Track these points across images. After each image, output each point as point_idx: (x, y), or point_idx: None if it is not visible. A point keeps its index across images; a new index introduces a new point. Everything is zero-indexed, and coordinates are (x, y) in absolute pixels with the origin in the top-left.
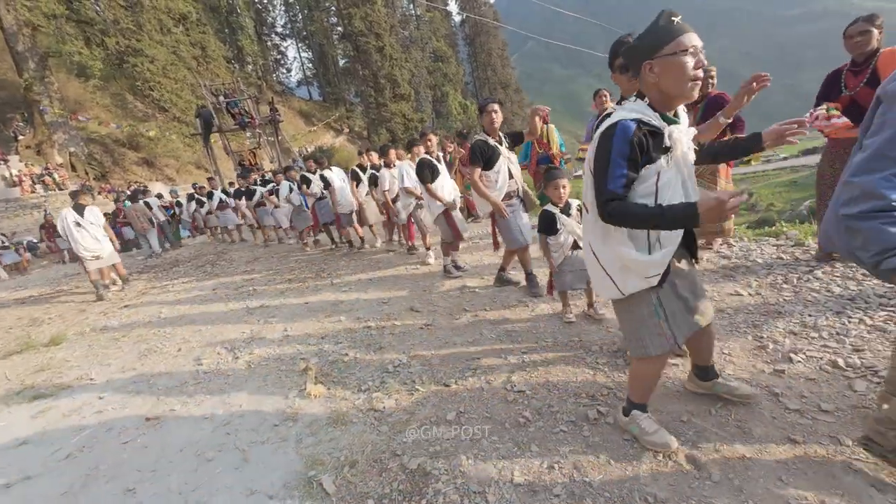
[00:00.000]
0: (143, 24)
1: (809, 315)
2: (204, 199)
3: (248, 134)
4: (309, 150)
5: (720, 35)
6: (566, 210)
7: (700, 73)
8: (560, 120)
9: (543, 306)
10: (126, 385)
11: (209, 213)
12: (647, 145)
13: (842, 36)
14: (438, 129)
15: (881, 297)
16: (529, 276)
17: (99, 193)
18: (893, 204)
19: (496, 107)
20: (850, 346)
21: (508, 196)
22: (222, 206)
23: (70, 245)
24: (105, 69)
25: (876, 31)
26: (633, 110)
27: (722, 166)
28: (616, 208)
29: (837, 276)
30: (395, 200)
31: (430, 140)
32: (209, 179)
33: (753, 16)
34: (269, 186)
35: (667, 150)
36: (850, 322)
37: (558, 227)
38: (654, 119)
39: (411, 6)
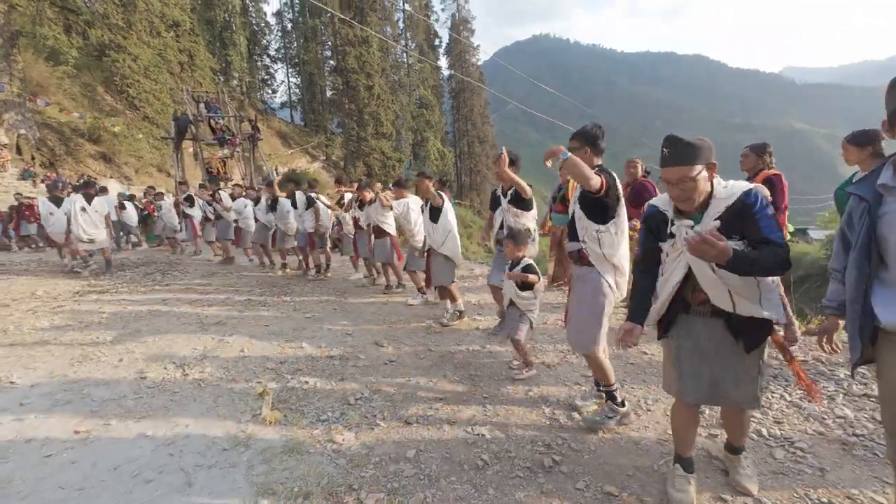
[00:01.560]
0: (133, 23)
1: None
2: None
3: (226, 150)
4: (280, 170)
5: (670, 130)
6: (511, 266)
7: (675, 192)
8: (530, 180)
9: (507, 352)
10: (54, 392)
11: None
12: (654, 227)
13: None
14: (413, 171)
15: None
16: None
17: (42, 181)
18: None
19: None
20: (773, 418)
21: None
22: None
23: (50, 230)
24: (81, 59)
25: (753, 156)
26: (661, 199)
27: None
28: (634, 268)
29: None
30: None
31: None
32: (180, 184)
33: (701, 117)
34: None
35: (672, 236)
36: (773, 397)
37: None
38: (669, 211)
39: (404, 55)
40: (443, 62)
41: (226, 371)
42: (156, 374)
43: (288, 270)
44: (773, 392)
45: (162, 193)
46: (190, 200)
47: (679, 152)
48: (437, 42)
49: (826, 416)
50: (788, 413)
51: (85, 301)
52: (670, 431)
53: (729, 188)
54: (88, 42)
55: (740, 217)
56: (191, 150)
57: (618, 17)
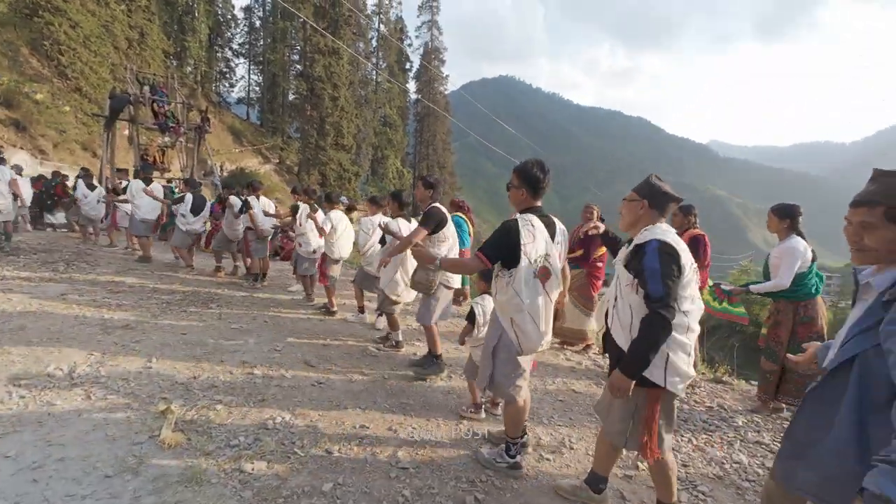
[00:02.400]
0: None
1: None
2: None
3: (167, 137)
4: (227, 168)
5: (622, 180)
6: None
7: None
8: (482, 211)
9: (441, 384)
10: None
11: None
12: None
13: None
14: (371, 187)
15: (705, 422)
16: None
17: None
18: None
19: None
20: (680, 461)
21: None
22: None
23: None
24: (6, 14)
25: (681, 215)
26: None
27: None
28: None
29: (677, 401)
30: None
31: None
32: (119, 171)
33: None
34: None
35: None
36: (681, 440)
37: None
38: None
39: (374, 72)
40: (411, 86)
41: (125, 383)
42: (34, 380)
43: (222, 274)
44: (682, 436)
45: (125, 171)
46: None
47: (638, 185)
48: (407, 66)
49: (725, 461)
50: (694, 457)
51: None
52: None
53: (642, 234)
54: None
55: (634, 258)
56: (126, 132)
57: (577, 72)
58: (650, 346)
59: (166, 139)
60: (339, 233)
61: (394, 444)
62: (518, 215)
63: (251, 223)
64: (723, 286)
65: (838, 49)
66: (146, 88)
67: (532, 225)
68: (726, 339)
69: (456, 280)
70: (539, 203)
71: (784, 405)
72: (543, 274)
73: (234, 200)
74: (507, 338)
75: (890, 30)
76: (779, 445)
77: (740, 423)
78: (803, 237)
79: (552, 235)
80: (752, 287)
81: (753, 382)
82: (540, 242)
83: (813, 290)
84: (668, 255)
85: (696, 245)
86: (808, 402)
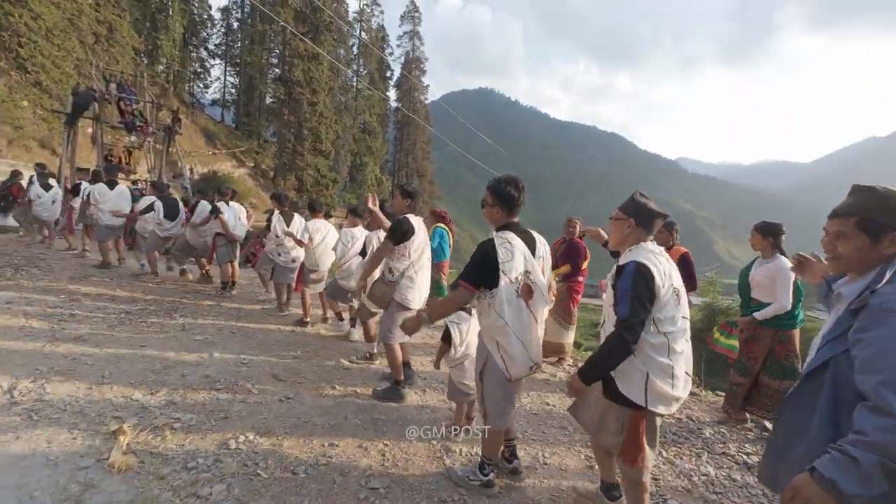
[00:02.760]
0: None
1: None
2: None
3: (134, 137)
4: (198, 171)
5: (597, 192)
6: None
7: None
8: (462, 220)
9: (414, 397)
10: None
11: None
12: None
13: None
14: (349, 193)
15: (674, 434)
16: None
17: None
18: None
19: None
20: (651, 474)
21: None
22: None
23: None
24: None
25: (666, 232)
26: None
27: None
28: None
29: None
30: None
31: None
32: (80, 170)
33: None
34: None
35: None
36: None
37: None
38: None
39: (355, 79)
40: (392, 94)
41: (74, 400)
42: None
43: (190, 276)
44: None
45: (86, 170)
46: (76, 190)
47: (625, 202)
48: (388, 74)
49: (693, 474)
50: (664, 469)
51: None
52: (564, 486)
53: (626, 255)
54: None
55: (616, 279)
56: (90, 130)
57: (554, 88)
58: (604, 361)
59: (133, 139)
60: (317, 243)
61: (364, 462)
62: (494, 233)
63: (222, 229)
64: (729, 321)
65: (796, 75)
66: (112, 86)
67: (509, 243)
68: (693, 351)
69: (416, 302)
70: (516, 219)
71: (749, 416)
72: (526, 292)
73: (204, 206)
74: (494, 362)
75: (839, 60)
76: (744, 456)
77: (708, 435)
78: (786, 256)
79: (532, 251)
80: (756, 315)
81: (720, 393)
82: (519, 260)
83: (798, 320)
84: (641, 276)
85: (687, 265)
86: (787, 406)
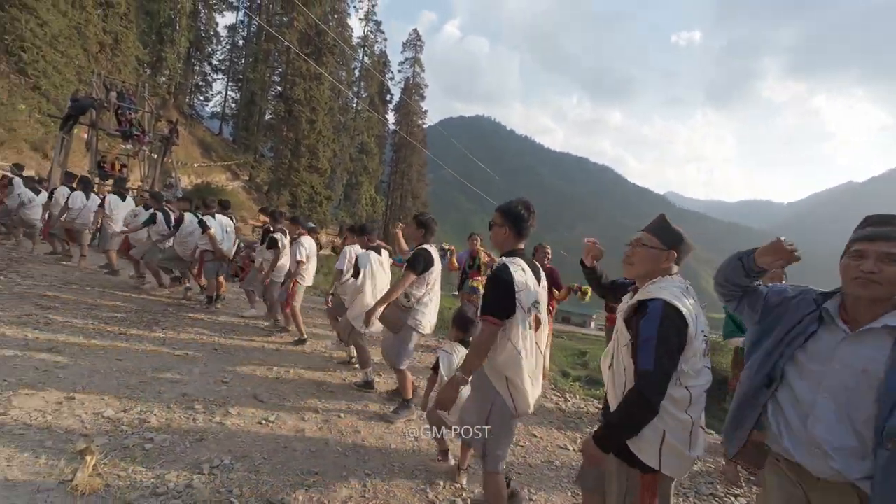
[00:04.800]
0: None
1: None
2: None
3: (130, 145)
4: (192, 181)
5: (581, 224)
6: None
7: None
8: (454, 242)
9: (399, 425)
10: None
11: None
12: None
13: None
14: (343, 212)
15: None
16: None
17: None
18: None
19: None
20: None
21: None
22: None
23: None
24: None
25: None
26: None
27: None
28: None
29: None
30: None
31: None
32: (69, 175)
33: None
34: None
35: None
36: None
37: None
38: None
39: (355, 100)
40: (390, 117)
41: (41, 415)
42: None
43: (185, 283)
44: None
45: (74, 175)
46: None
47: (655, 226)
48: (388, 97)
49: None
50: None
51: None
52: None
53: (649, 289)
54: None
55: (635, 315)
56: (85, 136)
57: (548, 119)
58: (625, 425)
59: (128, 147)
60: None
61: (344, 492)
62: (505, 259)
63: (210, 245)
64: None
65: (777, 119)
66: (113, 94)
67: (523, 270)
68: None
69: (427, 327)
70: (522, 246)
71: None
72: (536, 323)
73: (190, 218)
74: (502, 401)
75: (821, 109)
76: (731, 498)
77: (695, 472)
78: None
79: (538, 280)
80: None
81: (709, 431)
82: (532, 289)
83: None
84: (671, 322)
85: None
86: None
